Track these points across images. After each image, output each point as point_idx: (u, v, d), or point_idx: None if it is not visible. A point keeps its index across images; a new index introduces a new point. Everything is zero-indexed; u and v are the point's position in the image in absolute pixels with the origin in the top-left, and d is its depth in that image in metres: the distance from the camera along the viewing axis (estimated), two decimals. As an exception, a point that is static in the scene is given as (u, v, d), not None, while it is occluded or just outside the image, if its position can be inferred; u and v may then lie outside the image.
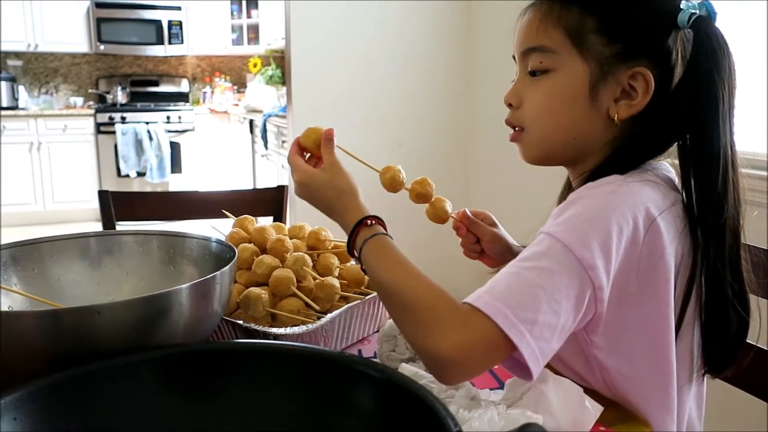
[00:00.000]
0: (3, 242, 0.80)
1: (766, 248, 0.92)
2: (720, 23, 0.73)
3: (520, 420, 0.62)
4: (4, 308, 0.77)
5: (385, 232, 0.76)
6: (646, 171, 0.75)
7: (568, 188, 0.90)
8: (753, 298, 0.77)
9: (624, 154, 0.76)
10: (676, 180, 0.77)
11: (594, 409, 0.68)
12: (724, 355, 0.77)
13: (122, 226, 1.48)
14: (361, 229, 0.75)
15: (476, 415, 0.65)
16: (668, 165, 0.79)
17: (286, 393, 0.62)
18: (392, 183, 0.86)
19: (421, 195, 0.89)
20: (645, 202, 0.70)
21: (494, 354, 0.64)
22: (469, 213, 0.96)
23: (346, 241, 0.78)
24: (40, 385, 0.56)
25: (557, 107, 0.77)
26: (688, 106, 0.72)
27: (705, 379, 0.82)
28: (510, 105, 0.82)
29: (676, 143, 0.75)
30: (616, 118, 0.75)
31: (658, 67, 0.74)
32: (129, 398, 0.60)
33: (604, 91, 0.75)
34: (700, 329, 0.77)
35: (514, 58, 0.82)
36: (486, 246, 0.96)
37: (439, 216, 0.90)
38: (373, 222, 0.76)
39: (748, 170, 1.78)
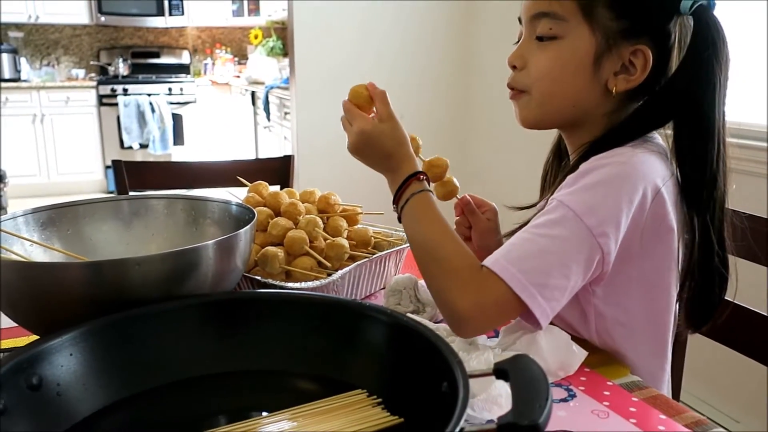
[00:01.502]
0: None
1: (747, 213, 0.99)
2: (718, 12, 0.78)
3: (513, 359, 0.69)
4: (44, 264, 0.84)
5: (431, 189, 0.82)
6: (647, 141, 0.80)
7: (557, 155, 0.96)
8: (730, 259, 0.85)
9: (625, 128, 0.81)
10: (668, 153, 0.82)
11: (580, 353, 0.76)
12: (705, 313, 0.84)
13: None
14: (413, 181, 0.80)
15: (474, 356, 0.73)
16: (659, 137, 0.84)
17: (305, 335, 0.70)
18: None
19: (437, 176, 0.94)
20: (652, 172, 0.77)
21: (506, 312, 0.73)
22: (470, 199, 1.00)
23: (394, 190, 0.81)
24: (91, 327, 0.63)
25: (561, 74, 0.81)
26: (687, 88, 0.77)
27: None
28: (514, 67, 0.85)
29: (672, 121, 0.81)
30: (614, 90, 0.80)
31: (658, 47, 0.79)
32: (165, 340, 0.68)
33: (606, 64, 0.79)
34: (688, 289, 0.83)
35: (519, 20, 0.85)
36: (475, 236, 1.01)
37: (447, 196, 0.96)
38: (423, 178, 0.81)
39: (748, 141, 1.84)
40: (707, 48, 0.76)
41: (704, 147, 0.77)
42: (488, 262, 0.73)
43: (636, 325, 0.83)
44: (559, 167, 0.96)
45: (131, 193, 1.64)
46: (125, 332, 0.66)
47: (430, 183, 0.86)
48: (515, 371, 0.53)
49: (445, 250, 0.76)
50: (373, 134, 0.82)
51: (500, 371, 0.54)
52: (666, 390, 0.88)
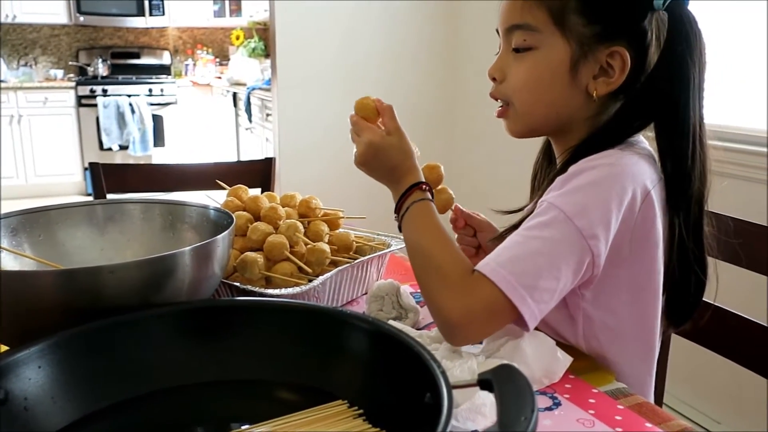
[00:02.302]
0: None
1: (731, 216, 0.99)
2: (692, 7, 0.78)
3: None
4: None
5: (431, 199, 0.81)
6: (633, 145, 0.80)
7: (546, 157, 0.96)
8: (711, 261, 0.85)
9: (608, 130, 0.81)
10: (655, 157, 0.82)
11: (565, 360, 0.75)
12: (683, 312, 0.85)
13: (112, 198, 1.52)
14: (415, 191, 0.81)
15: (457, 364, 0.71)
16: (645, 141, 0.84)
17: (284, 344, 0.68)
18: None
19: (432, 182, 0.91)
20: (642, 174, 0.76)
21: (497, 316, 0.71)
22: (462, 209, 1.00)
23: (396, 198, 0.82)
24: (61, 337, 0.61)
25: (539, 84, 0.81)
26: (662, 86, 0.77)
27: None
28: (494, 79, 0.86)
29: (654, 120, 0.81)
30: (594, 95, 0.80)
31: (634, 46, 0.78)
32: (140, 350, 0.66)
33: (583, 69, 0.79)
34: (667, 288, 0.84)
35: (497, 31, 0.85)
36: (482, 237, 1.00)
37: (443, 206, 0.95)
38: (425, 188, 0.81)
39: (747, 146, 1.84)
40: (680, 43, 0.76)
41: (679, 141, 0.77)
42: (479, 265, 0.72)
43: (624, 329, 0.82)
44: (548, 169, 0.95)
45: (109, 196, 1.61)
46: (98, 342, 0.64)
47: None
48: (500, 382, 0.51)
49: (439, 256, 0.75)
50: (382, 146, 0.82)
51: (484, 382, 0.53)
52: (651, 394, 0.87)
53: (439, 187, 0.95)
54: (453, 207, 0.98)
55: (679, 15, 0.76)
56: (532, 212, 0.78)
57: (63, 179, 5.42)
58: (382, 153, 0.82)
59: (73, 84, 5.40)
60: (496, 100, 0.87)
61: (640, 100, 0.79)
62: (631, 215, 0.75)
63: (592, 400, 0.70)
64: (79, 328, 0.62)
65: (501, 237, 0.87)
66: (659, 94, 0.78)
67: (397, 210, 0.82)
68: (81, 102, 5.40)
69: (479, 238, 1.01)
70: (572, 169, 0.77)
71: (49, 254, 0.85)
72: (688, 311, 0.85)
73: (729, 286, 0.88)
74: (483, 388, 0.53)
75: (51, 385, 0.59)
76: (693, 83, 0.77)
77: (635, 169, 0.76)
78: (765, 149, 1.78)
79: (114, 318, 0.64)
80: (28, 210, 0.84)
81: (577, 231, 0.72)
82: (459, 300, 0.71)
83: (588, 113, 0.83)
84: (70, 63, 5.84)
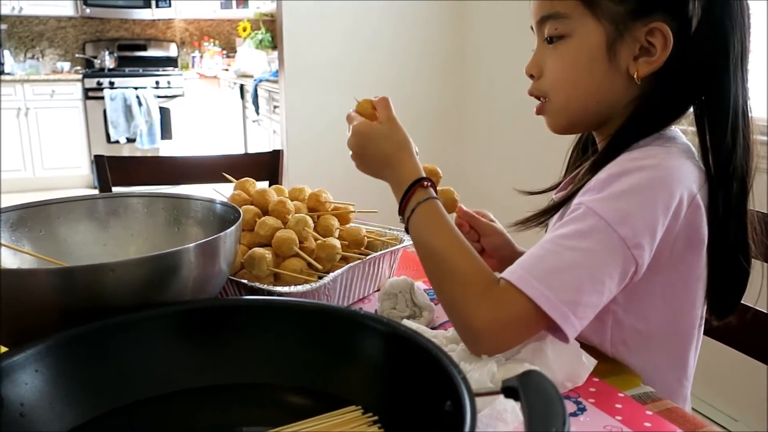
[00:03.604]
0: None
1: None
2: None
3: (519, 370, 0.64)
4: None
5: (436, 196, 0.76)
6: (675, 141, 0.75)
7: (582, 144, 0.91)
8: (754, 263, 0.80)
9: (644, 114, 0.76)
10: (695, 152, 0.77)
11: (588, 363, 0.71)
12: (726, 303, 0.79)
13: (118, 191, 1.49)
14: (417, 189, 0.75)
15: (476, 366, 0.68)
16: (683, 136, 0.79)
17: (294, 346, 0.65)
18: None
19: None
20: (688, 177, 0.71)
21: (528, 330, 0.67)
22: (465, 209, 0.95)
23: (399, 198, 0.77)
24: (59, 339, 0.58)
25: (577, 72, 0.77)
26: (699, 56, 0.72)
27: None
28: (531, 76, 0.82)
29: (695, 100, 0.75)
30: (636, 76, 0.74)
31: (675, 19, 0.72)
32: (142, 352, 0.63)
33: (622, 51, 0.74)
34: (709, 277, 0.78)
35: (532, 28, 0.82)
36: (486, 242, 0.94)
37: (447, 205, 0.90)
38: (428, 184, 0.76)
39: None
40: (718, 5, 0.71)
41: (718, 112, 0.72)
42: (508, 275, 0.67)
43: (654, 336, 0.78)
44: (583, 151, 0.91)
45: (115, 189, 1.58)
46: (98, 344, 0.60)
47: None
48: (526, 390, 0.48)
49: (457, 261, 0.70)
50: (369, 135, 0.79)
51: (509, 389, 0.49)
52: (683, 403, 0.83)
53: (443, 188, 0.89)
54: (457, 209, 0.92)
55: None
56: (562, 196, 0.74)
57: (70, 172, 5.41)
58: (370, 142, 0.79)
59: (80, 77, 5.39)
60: (538, 98, 0.83)
61: (679, 75, 0.74)
62: (675, 221, 0.70)
63: (618, 405, 0.66)
64: (78, 329, 0.59)
65: (526, 222, 0.84)
66: (697, 65, 0.72)
67: (401, 211, 0.77)
68: (88, 95, 5.38)
69: (483, 243, 0.95)
70: (613, 169, 0.71)
71: (51, 250, 0.81)
72: (732, 302, 0.79)
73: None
74: (508, 396, 0.50)
75: (49, 389, 0.56)
76: (732, 50, 0.71)
77: (682, 173, 0.71)
78: (765, 138, 1.74)
79: (115, 318, 0.61)
80: (27, 204, 0.81)
81: (620, 240, 0.66)
82: (488, 312, 0.66)
83: (630, 97, 0.77)
84: (77, 55, 5.82)
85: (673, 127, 0.78)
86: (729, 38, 0.71)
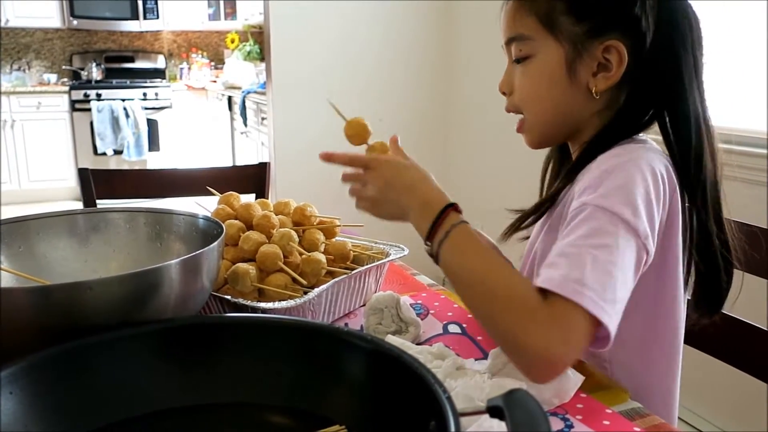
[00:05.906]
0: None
1: (731, 219, 0.95)
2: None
3: (506, 386, 0.64)
4: (-8, 286, 0.77)
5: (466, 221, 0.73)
6: (646, 142, 0.79)
7: (559, 156, 0.93)
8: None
9: (619, 120, 0.80)
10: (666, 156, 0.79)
11: (575, 378, 0.70)
12: (713, 300, 0.81)
13: (103, 204, 1.47)
14: (450, 212, 0.72)
15: (462, 383, 0.67)
16: (652, 142, 0.81)
17: (278, 364, 0.64)
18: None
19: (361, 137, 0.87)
20: (665, 170, 0.74)
21: (588, 340, 0.63)
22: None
23: (427, 223, 0.73)
24: (34, 360, 0.56)
25: (541, 90, 0.81)
26: (657, 70, 0.76)
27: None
28: (504, 93, 0.86)
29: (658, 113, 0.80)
30: (594, 91, 0.78)
31: (629, 36, 0.76)
32: (122, 372, 0.61)
33: (581, 68, 0.78)
34: (694, 278, 0.81)
35: (503, 47, 0.86)
36: None
37: (360, 134, 0.86)
38: (459, 210, 0.74)
39: (747, 148, 1.81)
40: (669, 23, 0.76)
41: (685, 128, 0.77)
42: (556, 287, 0.62)
43: (631, 337, 0.78)
44: (560, 165, 0.93)
45: (99, 203, 1.57)
46: (75, 365, 0.59)
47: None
48: (511, 409, 0.47)
49: (500, 279, 0.66)
50: (399, 166, 0.78)
51: (494, 409, 0.48)
52: (667, 411, 0.83)
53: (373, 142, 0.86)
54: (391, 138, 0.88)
55: None
56: (546, 204, 0.78)
57: (57, 184, 5.36)
58: (401, 170, 0.78)
59: (66, 88, 5.35)
60: (513, 113, 0.87)
61: (643, 88, 0.78)
62: (663, 210, 0.73)
63: (606, 422, 0.66)
64: (54, 349, 0.58)
65: (510, 230, 0.86)
66: (656, 78, 0.77)
67: (431, 237, 0.72)
68: (75, 106, 5.34)
69: None
70: (601, 165, 0.73)
71: (30, 267, 0.80)
72: (719, 299, 0.81)
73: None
74: (493, 415, 0.49)
75: (23, 412, 0.54)
76: (686, 66, 0.76)
77: (661, 166, 0.74)
78: (765, 151, 1.76)
79: (93, 338, 0.60)
80: (5, 220, 0.80)
81: (633, 232, 0.67)
82: (552, 334, 0.61)
83: (594, 109, 0.81)
84: (64, 67, 5.78)
85: (642, 135, 0.81)
86: (679, 54, 0.76)
